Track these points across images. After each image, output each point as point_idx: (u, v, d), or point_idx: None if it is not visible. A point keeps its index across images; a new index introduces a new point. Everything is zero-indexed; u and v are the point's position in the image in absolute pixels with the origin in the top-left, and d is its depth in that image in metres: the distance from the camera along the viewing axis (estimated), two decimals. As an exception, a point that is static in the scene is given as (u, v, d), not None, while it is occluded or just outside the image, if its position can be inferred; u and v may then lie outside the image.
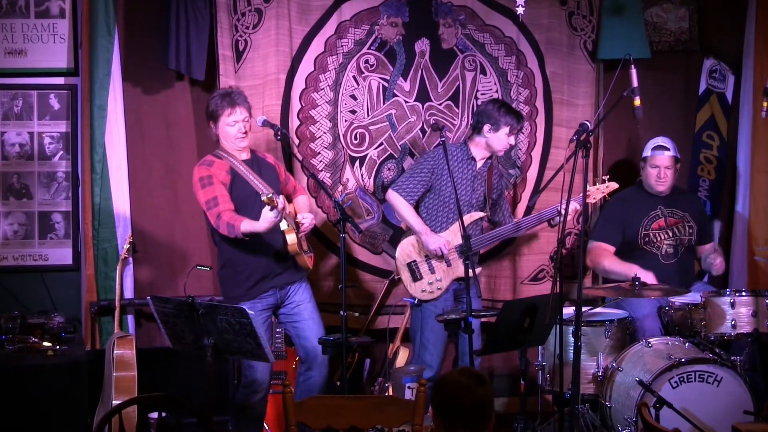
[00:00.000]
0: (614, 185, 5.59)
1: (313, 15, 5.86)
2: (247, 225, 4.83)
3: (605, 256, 5.81)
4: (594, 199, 5.55)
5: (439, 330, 5.27)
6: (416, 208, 5.43)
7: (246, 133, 5.06)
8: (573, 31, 6.12)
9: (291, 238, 4.92)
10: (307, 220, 5.09)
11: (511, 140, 5.41)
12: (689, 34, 6.30)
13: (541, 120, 6.14)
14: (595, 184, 5.61)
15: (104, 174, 5.67)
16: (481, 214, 5.43)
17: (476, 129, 5.42)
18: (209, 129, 5.15)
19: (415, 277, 5.38)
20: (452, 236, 5.35)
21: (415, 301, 5.38)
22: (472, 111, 5.94)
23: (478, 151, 5.41)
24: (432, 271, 5.36)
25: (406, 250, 5.40)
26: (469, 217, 5.34)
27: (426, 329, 5.37)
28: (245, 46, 5.74)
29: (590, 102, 6.15)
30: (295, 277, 5.14)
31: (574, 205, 5.38)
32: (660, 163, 5.79)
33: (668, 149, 5.79)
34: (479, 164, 5.42)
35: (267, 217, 4.73)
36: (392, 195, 5.40)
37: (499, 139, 5.36)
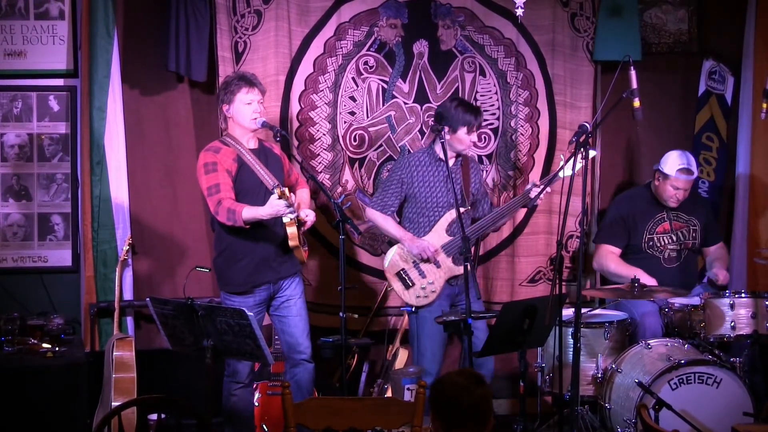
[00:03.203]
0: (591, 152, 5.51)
1: (313, 16, 5.86)
2: (248, 211, 4.83)
3: (611, 259, 5.82)
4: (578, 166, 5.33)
5: (436, 335, 5.26)
6: (400, 221, 5.43)
7: (260, 114, 5.06)
8: (575, 33, 6.11)
9: (292, 232, 4.92)
10: (309, 217, 5.10)
11: (473, 137, 5.36)
12: (688, 35, 6.29)
13: (544, 122, 6.14)
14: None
15: (103, 175, 5.67)
16: (461, 210, 5.40)
17: (436, 132, 5.39)
18: (219, 113, 5.13)
19: (407, 284, 5.36)
20: (435, 238, 5.34)
21: (413, 309, 5.36)
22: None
23: (445, 151, 5.36)
24: (422, 275, 5.34)
25: (393, 260, 5.38)
26: (449, 215, 5.32)
27: (423, 336, 5.35)
28: (244, 47, 5.74)
29: (592, 104, 6.14)
30: (290, 271, 5.14)
31: (538, 189, 5.35)
32: (682, 186, 5.76)
33: (692, 172, 5.76)
34: (450, 163, 5.37)
35: (274, 204, 4.74)
36: (369, 212, 5.45)
37: (460, 139, 5.32)
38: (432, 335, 5.28)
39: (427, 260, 5.31)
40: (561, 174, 5.16)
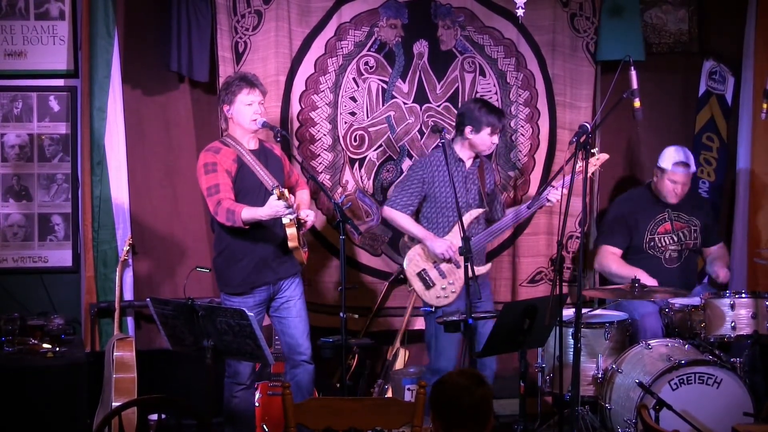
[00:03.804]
0: (605, 156, 5.49)
1: (313, 17, 5.86)
2: (248, 212, 4.83)
3: (612, 260, 5.82)
4: (588, 173, 5.36)
5: (453, 335, 5.24)
6: (417, 220, 5.43)
7: (260, 115, 5.06)
8: (575, 33, 6.11)
9: (292, 233, 4.92)
10: (309, 218, 5.10)
11: (494, 139, 5.38)
12: (689, 35, 6.30)
13: (544, 122, 6.13)
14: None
15: (104, 175, 5.67)
16: (480, 210, 5.41)
17: (458, 131, 5.40)
18: (220, 113, 5.13)
19: (428, 285, 5.35)
20: (456, 238, 5.33)
21: (433, 309, 5.35)
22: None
23: (464, 151, 5.38)
24: (443, 275, 5.33)
25: (413, 259, 5.37)
26: (468, 216, 5.32)
27: (440, 335, 5.33)
28: (245, 47, 5.74)
29: (592, 104, 6.14)
30: (290, 272, 5.13)
31: (559, 191, 5.35)
32: (679, 179, 5.78)
33: (689, 166, 5.77)
34: (468, 164, 5.39)
35: (273, 204, 4.75)
36: (388, 211, 5.41)
37: (482, 139, 5.34)
38: (450, 335, 5.26)
39: (449, 260, 5.30)
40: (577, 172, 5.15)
